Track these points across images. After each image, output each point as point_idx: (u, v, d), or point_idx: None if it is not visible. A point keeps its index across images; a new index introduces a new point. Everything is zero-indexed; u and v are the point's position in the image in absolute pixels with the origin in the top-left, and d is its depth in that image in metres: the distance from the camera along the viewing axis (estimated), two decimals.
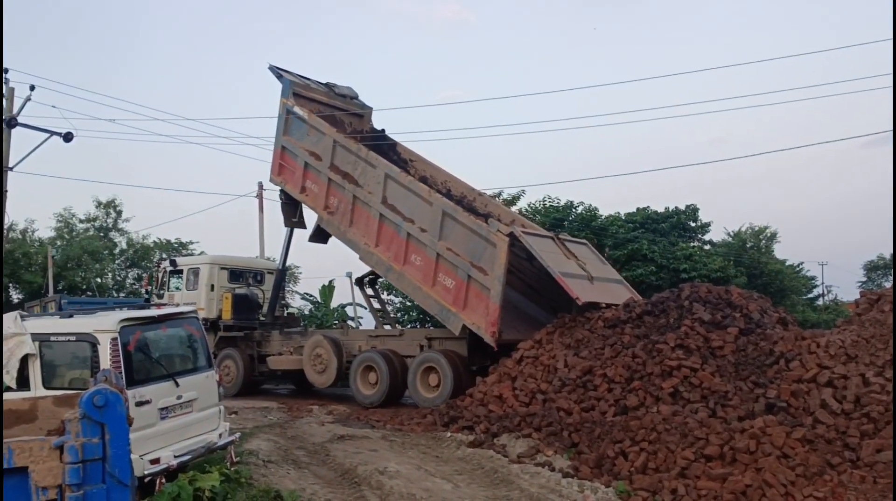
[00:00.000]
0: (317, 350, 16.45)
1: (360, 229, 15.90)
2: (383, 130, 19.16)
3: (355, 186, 16.01)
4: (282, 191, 17.91)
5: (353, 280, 18.06)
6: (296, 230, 18.40)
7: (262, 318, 18.72)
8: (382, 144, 18.25)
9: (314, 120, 17.08)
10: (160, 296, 18.58)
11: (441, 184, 17.45)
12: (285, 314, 20.33)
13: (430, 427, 12.04)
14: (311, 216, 17.78)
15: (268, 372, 18.23)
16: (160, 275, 19.19)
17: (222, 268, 18.58)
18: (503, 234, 13.57)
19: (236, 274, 18.84)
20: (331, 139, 16.56)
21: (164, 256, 33.69)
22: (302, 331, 18.29)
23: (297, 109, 17.30)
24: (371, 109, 19.74)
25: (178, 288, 18.45)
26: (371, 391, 15.34)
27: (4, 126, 19.73)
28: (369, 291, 17.63)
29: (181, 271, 18.60)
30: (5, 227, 20.29)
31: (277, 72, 18.11)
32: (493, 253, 13.53)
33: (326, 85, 19.21)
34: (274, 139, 17.82)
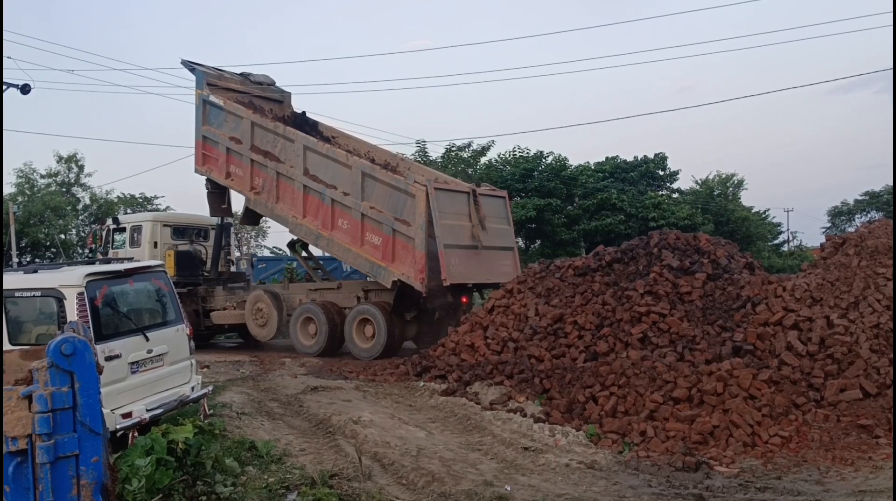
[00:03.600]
0: (258, 305, 17.02)
1: (287, 203, 16.36)
2: (304, 112, 19.66)
3: (277, 162, 16.44)
4: (207, 180, 18.11)
5: (287, 244, 18.70)
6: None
7: (205, 274, 18.93)
8: (305, 125, 18.60)
9: (230, 106, 17.36)
10: (104, 254, 18.62)
11: (364, 154, 17.77)
12: (231, 270, 20.43)
13: (402, 377, 12.12)
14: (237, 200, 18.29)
15: (214, 327, 18.67)
16: (104, 233, 19.30)
17: (165, 225, 18.73)
18: (420, 184, 14.18)
19: (179, 231, 19.01)
20: (248, 121, 16.93)
21: (129, 211, 33.19)
22: (244, 286, 18.76)
23: (213, 98, 17.55)
24: (290, 94, 20.04)
25: (122, 246, 18.53)
26: (311, 342, 15.98)
27: None
28: (304, 253, 18.09)
29: (124, 229, 18.73)
30: None
31: (190, 65, 18.27)
32: (413, 204, 14.16)
33: (241, 74, 19.31)
34: (194, 131, 17.98)
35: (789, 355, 9.18)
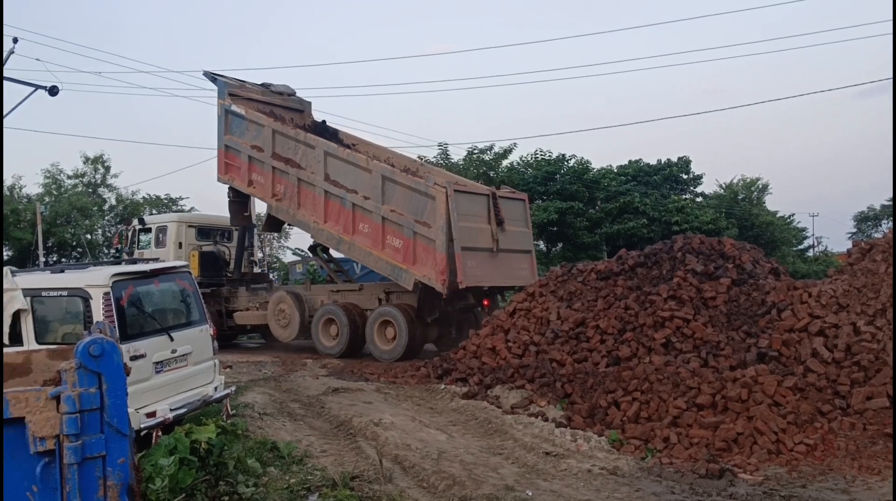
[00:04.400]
0: (280, 305, 17.13)
1: (308, 208, 16.47)
2: (324, 121, 19.78)
3: (298, 169, 16.55)
4: (230, 189, 18.26)
5: (308, 248, 18.94)
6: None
7: (229, 274, 19.11)
8: (325, 133, 18.77)
9: (252, 114, 17.54)
10: (130, 254, 18.88)
11: (385, 160, 17.84)
12: (254, 271, 20.67)
13: (423, 380, 12.12)
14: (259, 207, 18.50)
15: (236, 327, 18.86)
16: (129, 234, 19.61)
17: (189, 226, 19.04)
18: (440, 186, 14.27)
19: (204, 232, 19.28)
20: (270, 129, 17.07)
21: (154, 212, 33.47)
22: (267, 287, 18.90)
23: (234, 107, 17.72)
24: (310, 103, 20.21)
25: (147, 246, 18.81)
26: (332, 343, 16.12)
27: None
28: (324, 256, 18.25)
29: (150, 230, 19.05)
30: None
31: (212, 76, 18.49)
32: (434, 206, 14.24)
33: (262, 85, 19.48)
34: (216, 141, 18.17)
35: (815, 362, 9.06)
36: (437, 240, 14.13)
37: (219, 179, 18.26)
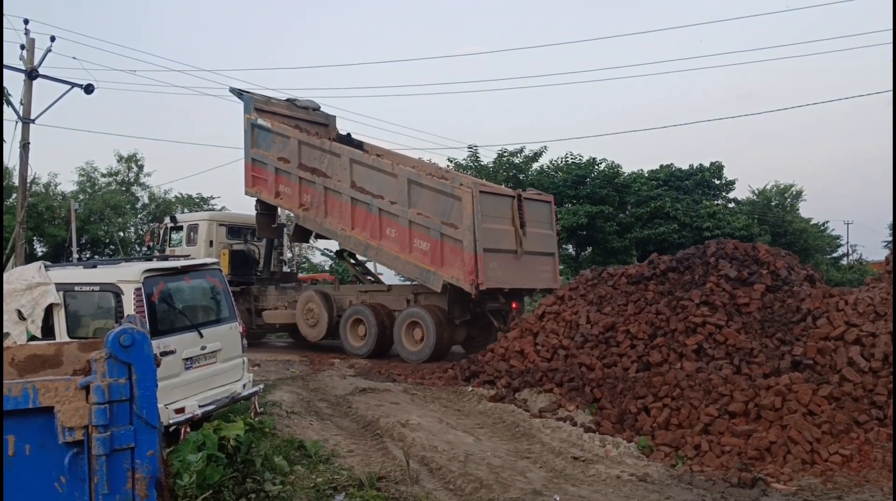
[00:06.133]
0: (309, 305, 17.19)
1: (336, 216, 16.59)
2: (349, 134, 19.90)
3: (324, 177, 16.70)
4: (257, 201, 18.48)
5: (334, 253, 19.13)
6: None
7: (258, 273, 19.24)
8: (350, 145, 18.81)
9: (278, 127, 17.78)
10: (162, 251, 19.09)
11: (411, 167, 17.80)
12: (283, 270, 20.76)
13: (451, 382, 12.07)
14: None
15: (265, 326, 18.92)
16: (161, 231, 19.88)
17: (220, 224, 19.22)
18: (466, 186, 14.41)
19: (234, 231, 19.44)
20: (296, 141, 17.27)
21: (186, 210, 33.79)
22: (296, 286, 18.89)
23: (260, 121, 17.94)
24: (335, 117, 20.45)
25: (178, 244, 18.99)
26: (360, 344, 16.16)
27: (26, 77, 19.73)
28: (351, 260, 18.37)
29: (181, 228, 19.26)
30: (28, 180, 20.45)
31: (238, 92, 18.73)
32: (460, 206, 14.31)
33: (288, 100, 19.68)
34: (243, 155, 18.39)
35: (851, 371, 8.86)
36: (464, 240, 14.18)
37: (246, 193, 18.47)
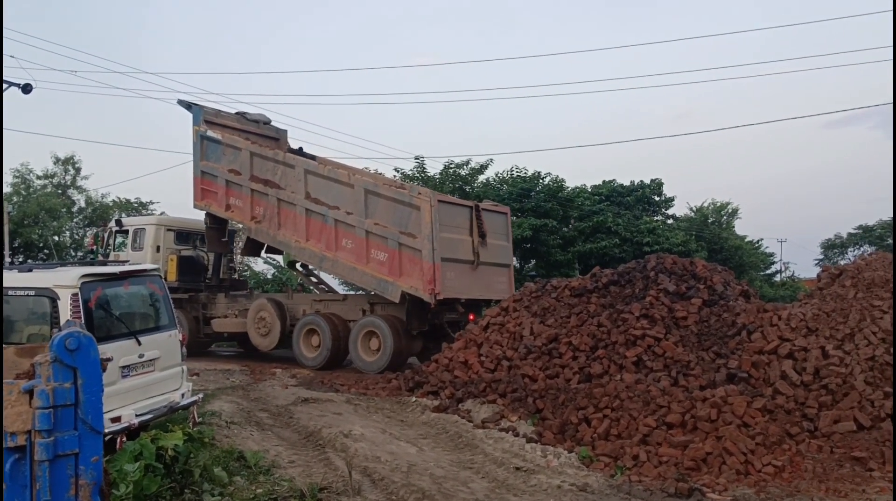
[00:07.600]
0: (261, 313, 16.84)
1: (289, 228, 16.36)
2: (301, 148, 19.70)
3: (278, 189, 16.48)
4: (206, 215, 18.04)
5: (286, 264, 18.92)
6: None
7: (207, 280, 18.82)
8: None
9: (229, 139, 17.49)
10: (105, 256, 18.46)
11: None
12: (233, 277, 20.37)
13: (394, 392, 12.04)
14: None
15: (213, 334, 18.48)
16: (106, 235, 19.19)
17: (168, 229, 18.60)
18: (424, 196, 14.43)
19: (183, 236, 18.87)
20: (247, 152, 17.01)
21: (123, 215, 33.00)
22: (247, 294, 18.51)
23: (210, 133, 17.60)
24: (286, 131, 20.24)
25: (123, 248, 18.38)
26: (313, 354, 15.86)
27: None
28: (303, 269, 18.09)
29: (127, 232, 18.59)
30: None
31: (187, 104, 18.40)
32: (419, 216, 14.28)
33: (238, 113, 19.41)
34: (192, 168, 18.00)
35: (784, 384, 9.15)
36: (423, 250, 14.17)
37: (195, 206, 18.04)
